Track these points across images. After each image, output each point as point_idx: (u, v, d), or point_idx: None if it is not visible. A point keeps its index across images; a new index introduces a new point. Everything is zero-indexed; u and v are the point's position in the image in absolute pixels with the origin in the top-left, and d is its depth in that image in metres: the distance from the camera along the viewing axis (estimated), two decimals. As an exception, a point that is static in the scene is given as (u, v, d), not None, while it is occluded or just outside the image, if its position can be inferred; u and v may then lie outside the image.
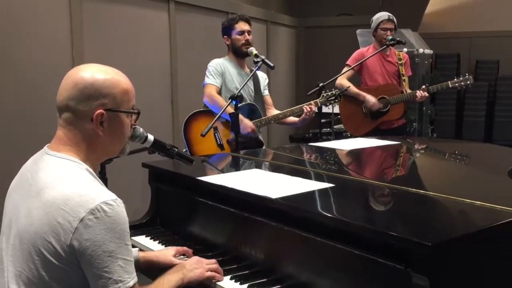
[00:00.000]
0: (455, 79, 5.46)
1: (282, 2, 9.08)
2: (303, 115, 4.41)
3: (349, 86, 5.33)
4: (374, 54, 5.45)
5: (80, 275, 1.80)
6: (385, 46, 5.39)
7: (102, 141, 1.96)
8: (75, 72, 1.95)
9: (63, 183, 1.82)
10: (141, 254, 2.34)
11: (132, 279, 1.83)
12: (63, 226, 1.74)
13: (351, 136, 5.57)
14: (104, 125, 1.92)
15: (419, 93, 5.37)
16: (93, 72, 1.93)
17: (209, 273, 2.21)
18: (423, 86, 5.47)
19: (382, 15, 5.61)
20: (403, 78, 5.61)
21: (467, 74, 5.49)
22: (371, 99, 5.47)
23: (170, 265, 2.31)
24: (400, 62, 5.63)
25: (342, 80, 5.44)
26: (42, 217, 1.78)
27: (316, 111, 4.44)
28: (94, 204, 1.76)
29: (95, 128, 1.91)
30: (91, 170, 1.93)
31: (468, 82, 5.39)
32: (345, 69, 5.53)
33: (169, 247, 2.51)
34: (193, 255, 2.50)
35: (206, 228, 2.69)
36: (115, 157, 2.48)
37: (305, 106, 4.40)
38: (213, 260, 2.29)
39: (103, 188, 1.88)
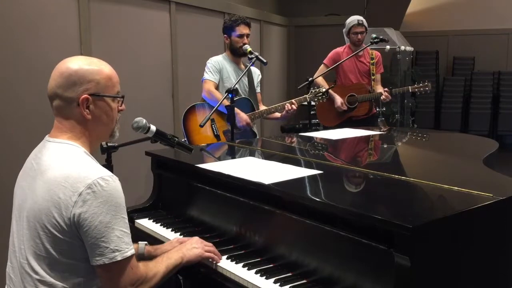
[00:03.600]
0: (415, 85, 5.64)
1: (274, 3, 9.05)
2: (284, 112, 4.42)
3: (333, 86, 5.49)
4: (350, 57, 5.49)
5: (82, 247, 1.80)
6: (363, 48, 5.48)
7: (92, 124, 1.96)
8: (62, 64, 1.96)
9: (63, 163, 1.83)
10: (147, 248, 2.30)
11: (130, 250, 1.83)
12: (64, 201, 1.76)
13: (326, 128, 5.63)
14: (91, 109, 1.93)
15: (383, 95, 5.45)
16: (77, 62, 1.94)
17: (207, 254, 2.21)
18: (386, 89, 5.53)
19: (353, 20, 5.66)
20: (373, 77, 5.66)
21: (426, 81, 5.60)
22: (338, 101, 5.58)
23: None
24: (372, 62, 5.68)
25: (319, 79, 5.49)
26: (45, 194, 1.80)
27: (296, 108, 4.43)
28: (92, 179, 1.77)
29: (82, 112, 1.91)
30: (87, 152, 1.94)
31: (427, 88, 5.52)
32: (322, 67, 5.67)
33: (175, 239, 2.45)
34: None
35: (204, 212, 2.68)
36: (119, 146, 2.47)
37: (287, 104, 4.40)
38: (211, 244, 2.28)
39: (100, 166, 1.89)
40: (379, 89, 5.62)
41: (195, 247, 2.20)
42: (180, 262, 2.11)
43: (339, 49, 5.83)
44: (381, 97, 5.48)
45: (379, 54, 5.84)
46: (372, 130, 4.30)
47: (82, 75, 1.91)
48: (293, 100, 4.42)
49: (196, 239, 2.28)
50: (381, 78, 5.85)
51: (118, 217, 1.80)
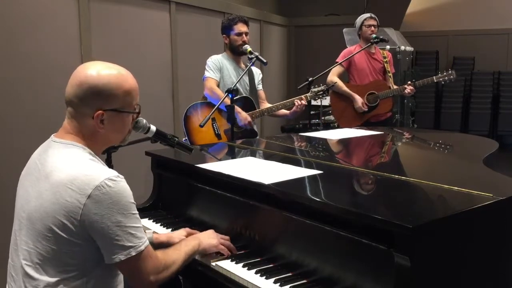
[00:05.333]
0: (440, 74, 5.40)
1: (274, 3, 9.05)
2: (294, 107, 4.40)
3: (335, 82, 5.34)
4: (361, 50, 5.43)
5: (93, 249, 1.82)
6: (369, 44, 5.36)
7: (102, 135, 1.95)
8: (82, 70, 1.92)
9: (69, 165, 1.83)
10: (155, 235, 2.37)
11: (143, 243, 1.85)
12: (72, 203, 1.76)
13: (339, 127, 5.55)
14: (105, 123, 1.92)
15: (408, 88, 5.34)
16: (98, 72, 1.90)
17: (222, 247, 2.26)
18: (409, 82, 5.43)
19: (364, 15, 5.62)
20: (389, 74, 5.59)
21: (450, 69, 5.43)
22: (358, 101, 5.45)
23: None
24: (385, 60, 5.61)
25: (333, 77, 5.43)
26: (51, 197, 1.79)
27: (306, 104, 4.42)
28: (99, 181, 1.77)
29: (95, 125, 1.91)
30: (93, 153, 1.94)
31: (452, 77, 5.33)
32: (337, 67, 5.50)
33: (181, 229, 2.51)
34: None
35: (204, 212, 2.69)
36: (117, 146, 2.47)
37: (296, 100, 4.39)
38: (227, 237, 2.34)
39: (105, 167, 1.90)
40: (395, 86, 5.55)
41: (211, 237, 2.27)
42: (197, 248, 2.17)
43: (350, 48, 5.79)
44: (406, 91, 5.37)
45: (390, 54, 5.78)
46: (395, 131, 4.27)
47: (100, 90, 1.88)
48: (302, 96, 4.41)
49: (212, 231, 2.34)
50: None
51: (128, 215, 1.81)
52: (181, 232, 2.45)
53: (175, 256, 2.04)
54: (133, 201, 1.85)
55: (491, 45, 10.69)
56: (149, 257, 1.87)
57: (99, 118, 1.90)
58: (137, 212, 1.86)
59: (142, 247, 1.84)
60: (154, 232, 2.37)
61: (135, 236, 1.82)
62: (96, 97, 1.88)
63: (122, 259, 1.80)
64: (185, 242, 2.17)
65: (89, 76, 1.89)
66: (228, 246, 2.29)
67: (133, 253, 1.81)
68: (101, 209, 1.76)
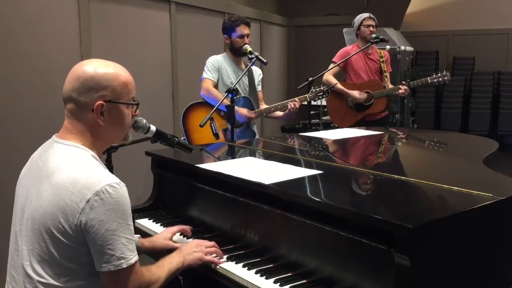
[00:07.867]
0: (434, 75, 5.39)
1: (274, 3, 9.04)
2: (286, 110, 4.41)
3: (336, 83, 5.34)
4: (358, 52, 5.44)
5: (88, 252, 1.81)
6: (369, 44, 5.36)
7: (104, 130, 1.96)
8: (79, 67, 1.95)
9: (71, 167, 1.82)
10: (141, 240, 2.34)
11: (134, 256, 1.83)
12: (71, 206, 1.75)
13: (338, 127, 5.55)
14: (105, 115, 1.93)
15: (402, 88, 5.34)
16: (95, 66, 1.93)
17: (208, 257, 2.21)
18: (403, 82, 5.43)
19: (363, 14, 5.62)
20: (385, 74, 5.59)
21: (445, 70, 5.43)
22: (354, 93, 5.46)
23: (168, 248, 2.31)
24: (381, 60, 5.61)
25: (328, 76, 5.44)
26: (52, 199, 1.79)
27: (298, 107, 4.41)
28: (100, 186, 1.77)
29: (96, 118, 1.91)
30: (96, 156, 1.94)
31: (446, 78, 5.32)
32: (331, 65, 5.50)
33: (165, 230, 2.51)
34: (190, 232, 2.52)
35: (204, 212, 2.68)
36: (119, 146, 2.47)
37: (289, 102, 4.39)
38: (212, 243, 2.29)
39: (108, 172, 1.89)
40: (391, 86, 5.55)
41: (195, 251, 2.21)
42: (181, 266, 2.13)
43: (347, 48, 5.78)
44: (400, 91, 5.36)
45: (387, 53, 5.78)
46: (390, 131, 4.27)
47: (98, 81, 1.90)
48: (295, 99, 4.41)
49: (196, 242, 2.29)
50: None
51: (124, 224, 1.80)
52: (166, 235, 2.43)
53: (158, 274, 1.99)
54: (130, 211, 1.84)
55: (491, 45, 10.69)
56: (135, 273, 1.85)
57: (99, 110, 1.90)
58: (132, 224, 1.86)
59: (133, 261, 1.82)
60: (140, 238, 2.35)
61: (127, 248, 1.80)
62: (95, 89, 1.90)
63: (112, 269, 1.78)
64: (169, 259, 2.12)
65: (86, 70, 1.92)
66: (214, 252, 2.24)
67: (124, 266, 1.79)
68: (98, 215, 1.75)
